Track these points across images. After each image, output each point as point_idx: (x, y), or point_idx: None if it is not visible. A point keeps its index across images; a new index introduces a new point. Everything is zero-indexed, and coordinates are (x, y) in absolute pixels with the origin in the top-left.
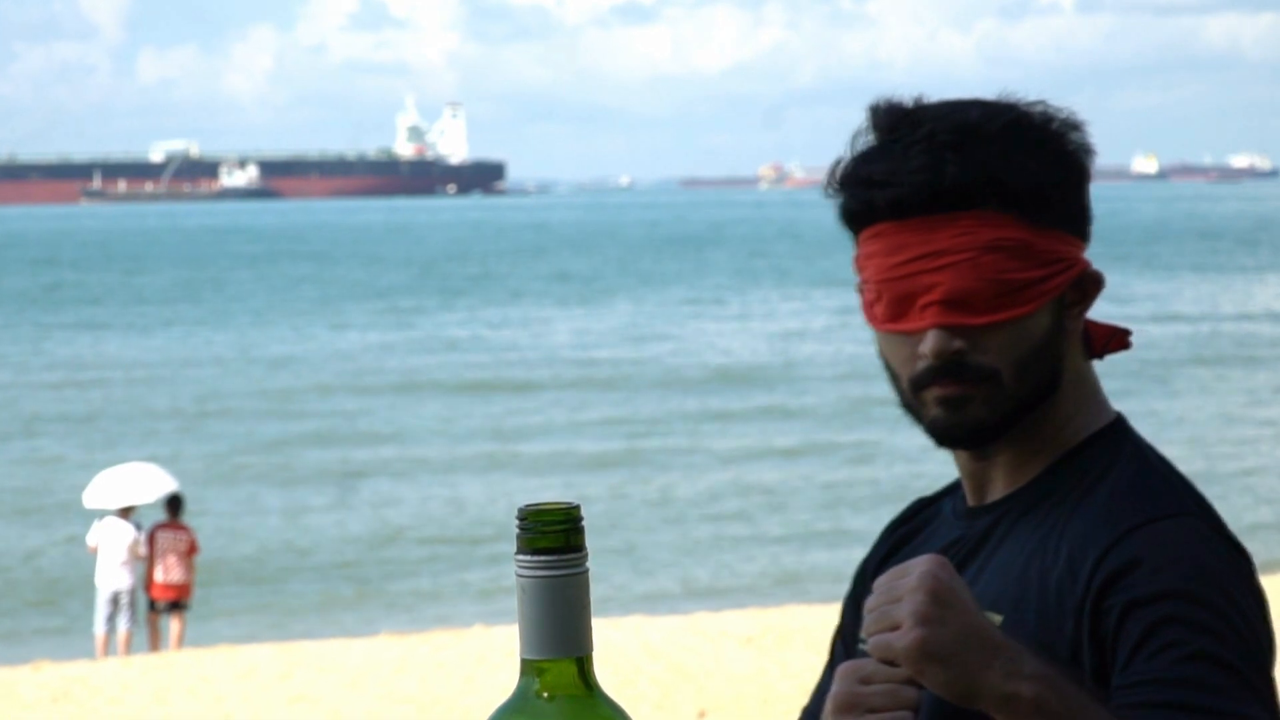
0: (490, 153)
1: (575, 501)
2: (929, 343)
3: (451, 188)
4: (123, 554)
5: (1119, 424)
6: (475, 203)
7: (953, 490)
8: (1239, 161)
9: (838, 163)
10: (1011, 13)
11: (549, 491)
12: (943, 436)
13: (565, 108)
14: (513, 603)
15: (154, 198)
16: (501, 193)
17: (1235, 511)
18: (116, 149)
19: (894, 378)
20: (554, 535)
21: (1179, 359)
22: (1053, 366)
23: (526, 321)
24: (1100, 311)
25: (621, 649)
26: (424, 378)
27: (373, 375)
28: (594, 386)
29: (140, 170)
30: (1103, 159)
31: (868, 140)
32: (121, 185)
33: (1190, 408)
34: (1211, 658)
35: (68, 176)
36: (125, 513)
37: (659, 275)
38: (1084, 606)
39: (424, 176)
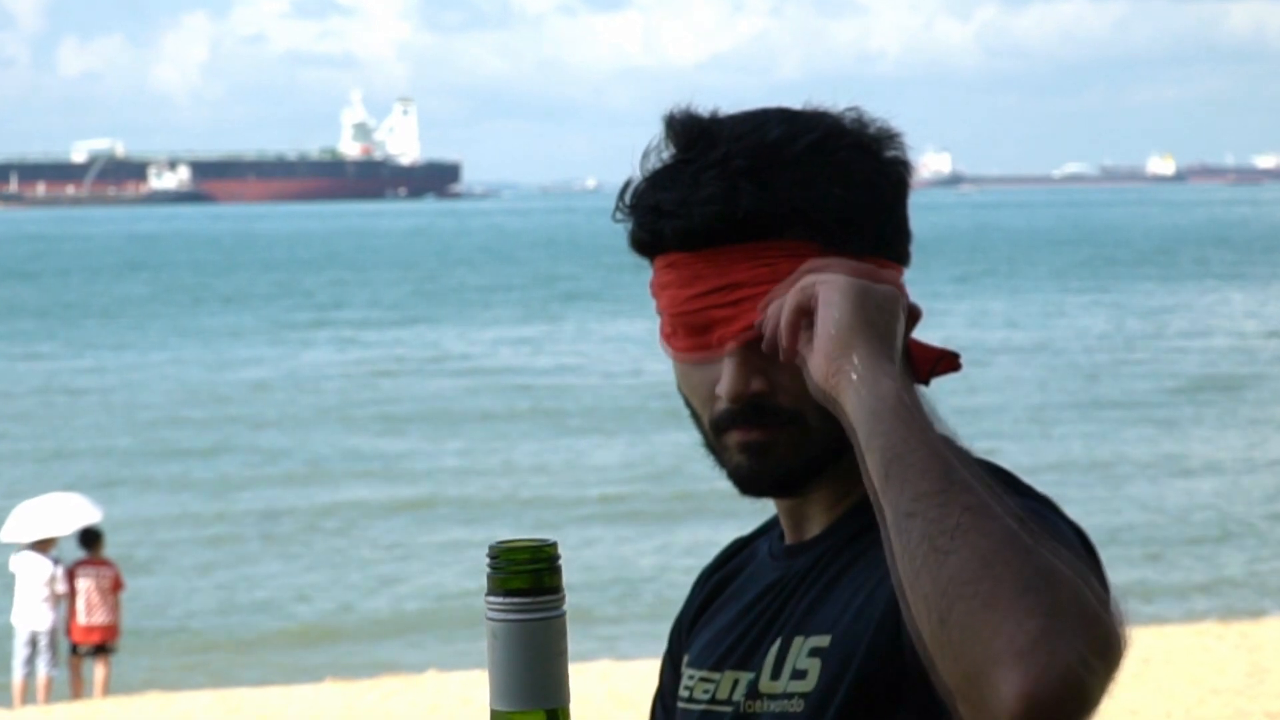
0: (444, 153)
1: (551, 539)
2: (725, 384)
3: (402, 191)
4: (41, 590)
5: None
6: (428, 207)
7: (770, 528)
8: (1264, 162)
9: (627, 185)
10: None
11: (505, 531)
12: (746, 485)
13: (526, 104)
14: (469, 646)
15: (76, 201)
16: (456, 196)
17: None
18: (35, 148)
19: (695, 417)
20: (527, 575)
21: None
22: None
23: (501, 341)
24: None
25: (588, 697)
26: (385, 407)
27: (327, 403)
28: (570, 417)
29: (61, 172)
30: (1116, 159)
31: (660, 159)
32: (40, 188)
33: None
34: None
35: None
36: (43, 546)
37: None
38: None
39: (372, 178)
